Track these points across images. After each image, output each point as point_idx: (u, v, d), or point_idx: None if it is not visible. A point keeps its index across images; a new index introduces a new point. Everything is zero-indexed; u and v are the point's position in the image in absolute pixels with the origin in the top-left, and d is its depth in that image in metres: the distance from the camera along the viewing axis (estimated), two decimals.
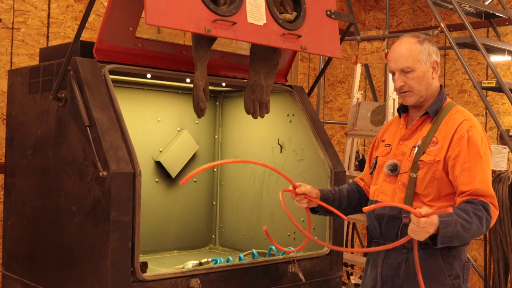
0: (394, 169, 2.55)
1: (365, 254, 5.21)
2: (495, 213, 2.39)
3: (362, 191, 2.83)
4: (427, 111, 2.55)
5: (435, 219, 2.24)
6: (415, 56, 2.52)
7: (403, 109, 2.66)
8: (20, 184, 3.18)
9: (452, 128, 2.48)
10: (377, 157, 2.69)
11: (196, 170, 2.25)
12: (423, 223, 2.22)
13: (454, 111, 2.54)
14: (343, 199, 2.75)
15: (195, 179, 3.88)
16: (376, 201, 2.60)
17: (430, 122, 2.55)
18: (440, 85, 2.62)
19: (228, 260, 3.19)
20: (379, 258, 2.58)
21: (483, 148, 2.46)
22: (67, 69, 2.72)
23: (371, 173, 2.71)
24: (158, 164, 3.68)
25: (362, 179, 2.85)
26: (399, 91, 2.56)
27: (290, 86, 3.55)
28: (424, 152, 2.49)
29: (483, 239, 4.87)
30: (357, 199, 2.80)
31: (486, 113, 5.74)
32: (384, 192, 2.58)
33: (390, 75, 4.66)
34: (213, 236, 3.96)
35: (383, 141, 2.70)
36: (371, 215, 2.62)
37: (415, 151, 2.51)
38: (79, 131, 2.69)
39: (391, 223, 2.53)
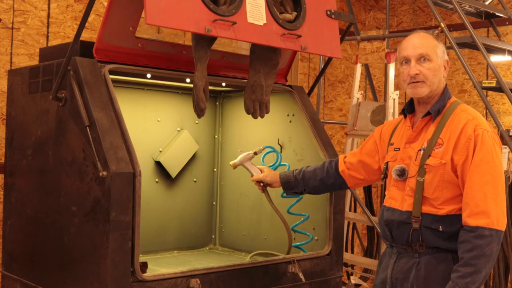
0: (402, 174, 2.53)
1: (366, 256, 5.21)
2: (492, 228, 2.32)
3: (333, 174, 2.91)
4: (429, 111, 2.51)
5: None
6: (433, 47, 2.51)
7: (408, 110, 2.62)
8: (20, 184, 3.18)
9: (457, 128, 2.43)
10: (387, 162, 2.66)
11: None
12: None
13: (459, 110, 2.49)
14: (308, 178, 2.96)
15: (195, 179, 3.88)
16: (387, 208, 2.59)
17: (432, 122, 2.51)
18: (446, 84, 2.59)
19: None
20: (391, 260, 2.57)
21: (491, 151, 2.38)
22: (67, 69, 2.72)
23: (383, 178, 2.70)
24: (158, 164, 3.68)
25: (346, 163, 2.89)
26: (412, 80, 2.48)
27: (290, 86, 3.55)
28: (429, 155, 2.45)
29: None
30: (326, 178, 2.93)
31: (486, 113, 5.74)
32: (394, 198, 2.56)
33: (391, 74, 4.68)
34: (213, 236, 3.96)
35: (392, 144, 2.66)
36: (381, 221, 2.62)
37: (421, 154, 2.48)
38: (79, 131, 2.69)
39: (401, 228, 2.51)
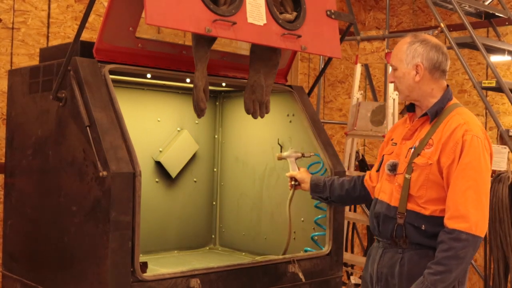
0: (393, 169, 2.58)
1: (365, 252, 5.21)
2: (469, 233, 2.35)
3: (359, 186, 2.90)
4: (426, 112, 2.55)
5: None
6: (399, 55, 2.58)
7: (408, 108, 2.67)
8: (20, 184, 3.18)
9: (448, 131, 2.46)
10: (384, 155, 2.71)
11: None
12: None
13: (454, 113, 2.51)
14: (335, 187, 2.95)
15: (195, 179, 3.88)
16: (379, 201, 2.63)
17: (429, 123, 2.54)
18: (447, 85, 2.61)
19: None
20: (377, 255, 2.61)
21: (478, 157, 2.41)
22: (67, 69, 2.72)
23: (377, 170, 2.74)
24: (158, 164, 3.68)
25: (370, 176, 2.90)
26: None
27: (290, 86, 3.55)
28: (418, 154, 2.50)
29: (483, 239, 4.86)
30: (352, 190, 2.93)
31: (486, 113, 5.74)
32: (384, 191, 2.62)
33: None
34: (213, 236, 3.96)
35: (392, 139, 2.72)
36: (371, 213, 2.66)
37: (411, 152, 2.53)
38: (79, 131, 2.69)
39: (386, 222, 2.56)
